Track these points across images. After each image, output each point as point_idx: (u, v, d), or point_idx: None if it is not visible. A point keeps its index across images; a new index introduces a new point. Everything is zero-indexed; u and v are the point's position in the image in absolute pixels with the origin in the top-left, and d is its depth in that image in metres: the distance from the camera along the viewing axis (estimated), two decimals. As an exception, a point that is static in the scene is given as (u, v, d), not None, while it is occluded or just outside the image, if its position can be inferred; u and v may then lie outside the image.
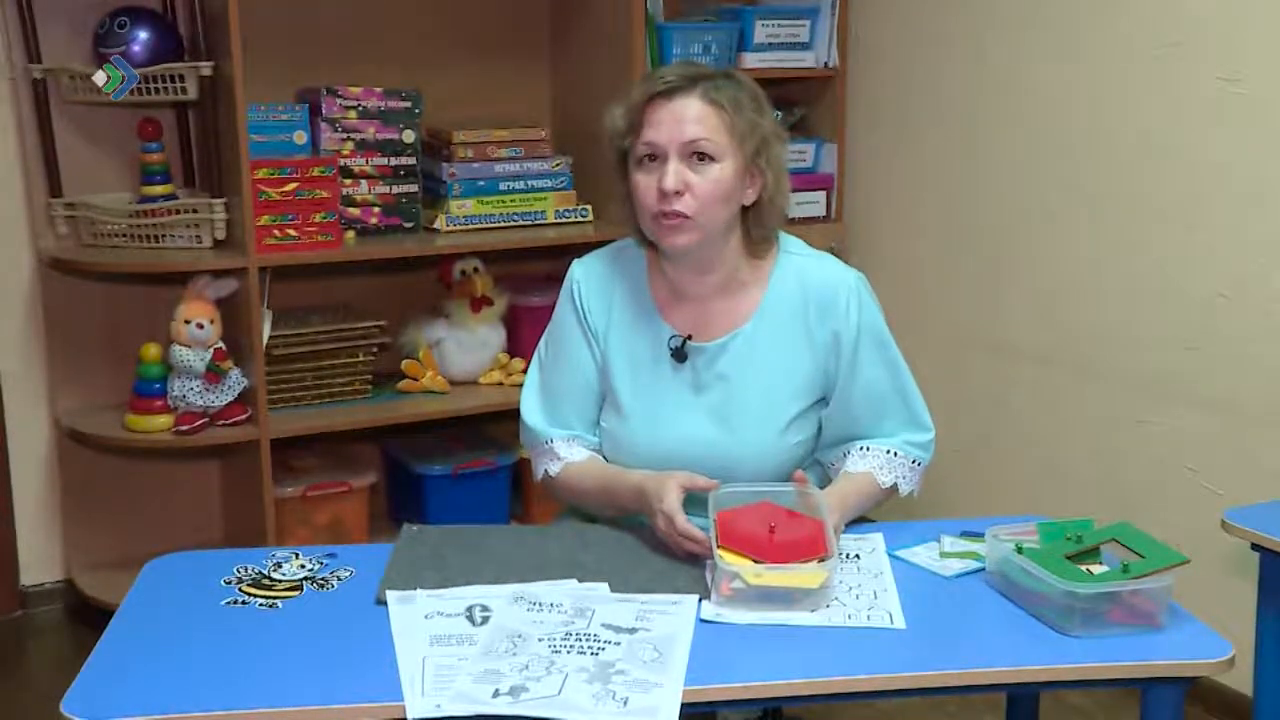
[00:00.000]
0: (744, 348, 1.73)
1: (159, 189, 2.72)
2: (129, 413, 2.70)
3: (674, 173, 1.64)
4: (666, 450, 1.72)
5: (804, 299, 1.72)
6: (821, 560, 1.48)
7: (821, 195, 3.21)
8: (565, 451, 1.77)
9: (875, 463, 1.72)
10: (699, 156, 1.64)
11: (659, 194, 1.64)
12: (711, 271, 1.73)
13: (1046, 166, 2.70)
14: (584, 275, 1.80)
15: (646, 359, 1.75)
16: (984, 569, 1.57)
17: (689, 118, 1.64)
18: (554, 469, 1.78)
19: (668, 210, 1.64)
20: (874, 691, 1.40)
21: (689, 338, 1.74)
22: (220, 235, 2.71)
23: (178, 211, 2.70)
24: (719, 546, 1.49)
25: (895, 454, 1.73)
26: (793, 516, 1.56)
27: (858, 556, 1.62)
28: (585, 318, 1.78)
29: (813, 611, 1.46)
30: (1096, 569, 1.49)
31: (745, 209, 1.70)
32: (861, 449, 1.74)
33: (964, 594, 1.54)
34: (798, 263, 1.76)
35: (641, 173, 1.67)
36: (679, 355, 1.74)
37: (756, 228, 1.72)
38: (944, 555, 1.63)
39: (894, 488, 1.73)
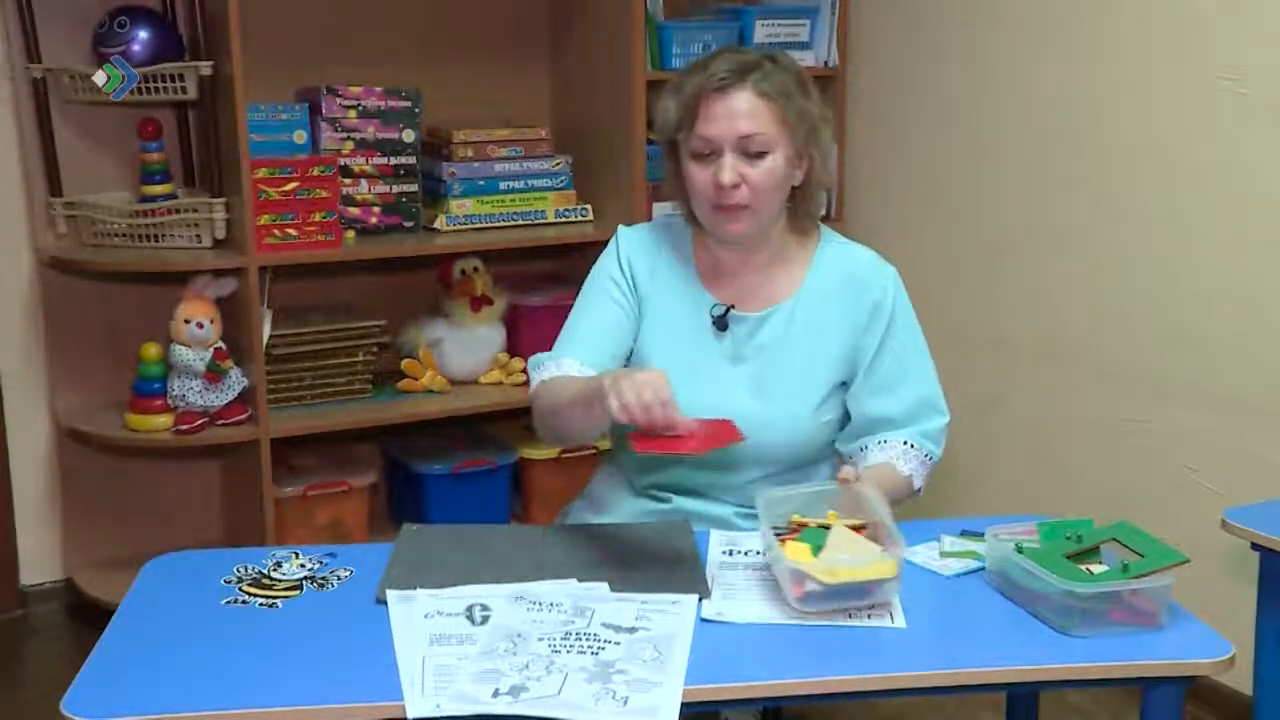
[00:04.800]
0: (784, 322, 1.77)
1: (159, 188, 2.72)
2: (129, 412, 2.70)
3: (730, 167, 1.68)
4: (700, 415, 1.71)
5: (845, 279, 1.78)
6: (888, 550, 1.46)
7: (821, 194, 3.20)
8: (570, 367, 1.75)
9: (893, 453, 1.75)
10: (752, 150, 1.69)
11: (716, 188, 1.69)
12: (759, 250, 1.79)
13: (1047, 165, 2.70)
14: (630, 239, 1.85)
15: (686, 327, 1.79)
16: (984, 568, 1.57)
17: (741, 112, 1.69)
18: (541, 376, 1.76)
19: (727, 204, 1.69)
20: (874, 691, 1.40)
21: (731, 307, 1.78)
22: (220, 235, 2.71)
23: (178, 211, 2.70)
24: (786, 552, 1.45)
25: (911, 445, 1.76)
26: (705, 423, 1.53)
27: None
28: (625, 272, 1.82)
29: (889, 601, 1.44)
30: (1096, 568, 1.49)
31: (793, 188, 1.76)
32: (880, 442, 1.76)
33: (964, 593, 1.54)
34: (840, 248, 1.83)
35: (697, 166, 1.72)
36: (720, 324, 1.78)
37: (802, 206, 1.79)
38: (944, 554, 1.63)
39: (910, 479, 1.75)
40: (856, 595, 1.44)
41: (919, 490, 1.77)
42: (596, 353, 1.78)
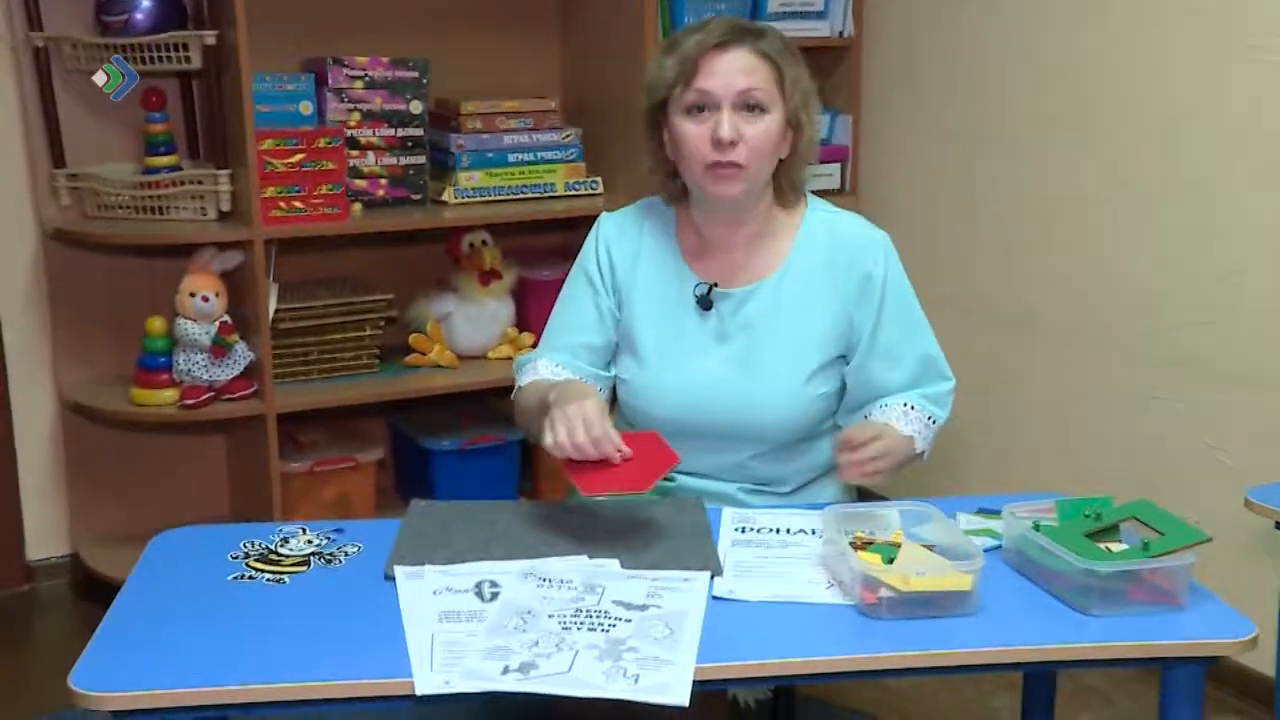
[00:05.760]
0: (770, 297, 1.75)
1: (163, 160, 2.69)
2: (134, 386, 2.68)
3: (729, 122, 1.67)
4: (688, 396, 1.74)
5: (833, 250, 1.76)
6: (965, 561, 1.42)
7: (836, 168, 3.17)
8: (544, 370, 1.78)
9: (892, 415, 1.73)
10: (751, 107, 1.68)
11: (713, 144, 1.67)
12: (744, 224, 1.76)
13: (1066, 137, 2.66)
14: (612, 227, 1.84)
15: (671, 307, 1.78)
16: (1001, 547, 1.55)
17: (742, 68, 1.68)
18: (522, 380, 1.80)
19: (722, 160, 1.67)
20: (887, 670, 1.38)
21: (714, 285, 1.76)
22: (225, 207, 2.69)
23: (182, 183, 2.67)
24: (858, 554, 1.44)
25: (911, 407, 1.74)
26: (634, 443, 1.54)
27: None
28: (601, 266, 1.81)
29: (968, 616, 1.39)
30: (1116, 547, 1.47)
31: (779, 161, 1.74)
32: (880, 406, 1.74)
33: (980, 572, 1.51)
34: (826, 217, 1.80)
35: (691, 122, 1.69)
36: (704, 302, 1.76)
37: (787, 179, 1.76)
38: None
39: (912, 440, 1.72)
40: (929, 606, 1.39)
41: (923, 454, 1.75)
42: (570, 353, 1.80)
